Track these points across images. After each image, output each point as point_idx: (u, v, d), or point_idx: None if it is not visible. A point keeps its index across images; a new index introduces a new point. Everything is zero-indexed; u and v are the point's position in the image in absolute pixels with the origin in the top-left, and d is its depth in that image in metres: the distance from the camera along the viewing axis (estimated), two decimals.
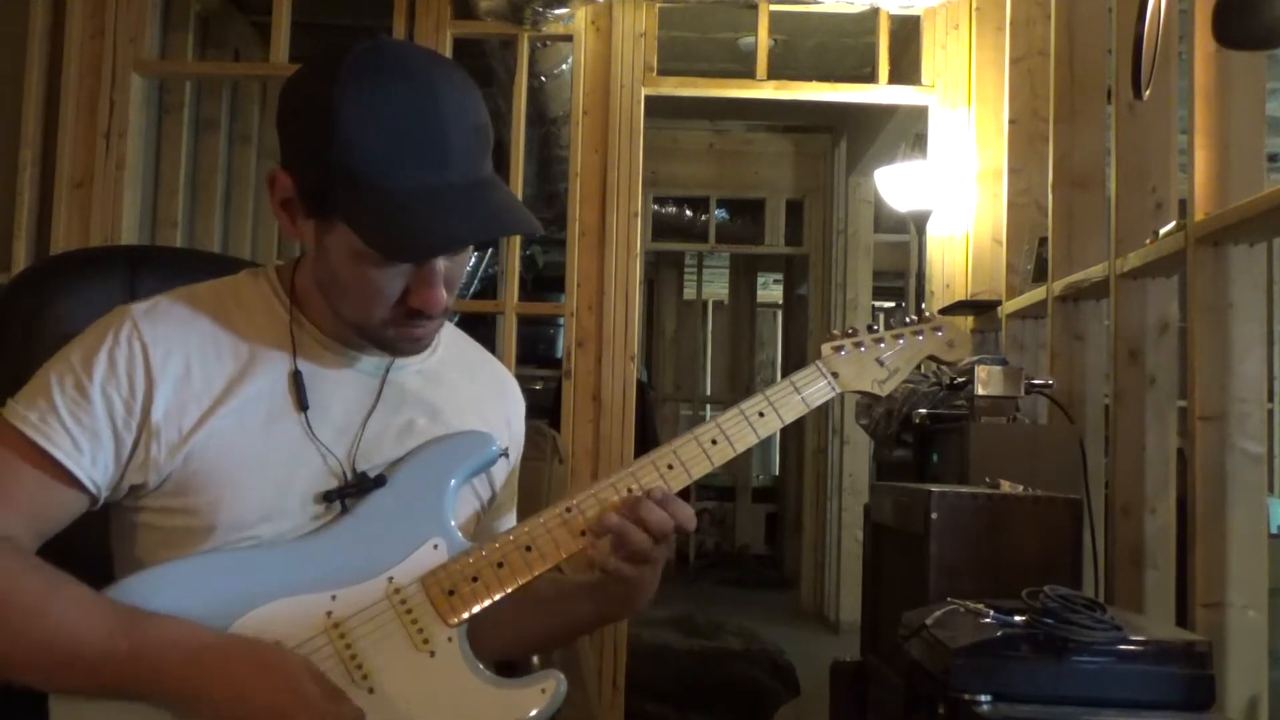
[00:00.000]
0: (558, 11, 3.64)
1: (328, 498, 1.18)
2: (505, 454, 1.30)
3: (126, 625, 1.08)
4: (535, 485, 3.18)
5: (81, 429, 1.12)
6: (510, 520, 1.37)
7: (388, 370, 1.24)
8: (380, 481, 1.20)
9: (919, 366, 1.41)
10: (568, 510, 1.20)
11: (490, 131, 1.15)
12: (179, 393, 1.15)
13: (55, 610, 1.08)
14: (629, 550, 1.17)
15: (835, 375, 1.32)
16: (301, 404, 1.18)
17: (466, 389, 1.31)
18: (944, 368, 2.56)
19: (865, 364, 1.34)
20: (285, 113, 1.15)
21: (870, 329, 1.35)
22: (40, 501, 1.12)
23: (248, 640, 1.10)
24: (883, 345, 1.35)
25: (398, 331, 1.17)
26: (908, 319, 1.38)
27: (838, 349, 1.33)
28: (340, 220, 1.10)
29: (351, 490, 1.19)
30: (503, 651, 1.31)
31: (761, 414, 1.27)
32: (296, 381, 1.18)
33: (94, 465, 1.12)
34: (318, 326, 1.22)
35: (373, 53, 1.11)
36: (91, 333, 1.17)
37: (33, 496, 1.11)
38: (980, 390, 2.38)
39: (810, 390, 1.30)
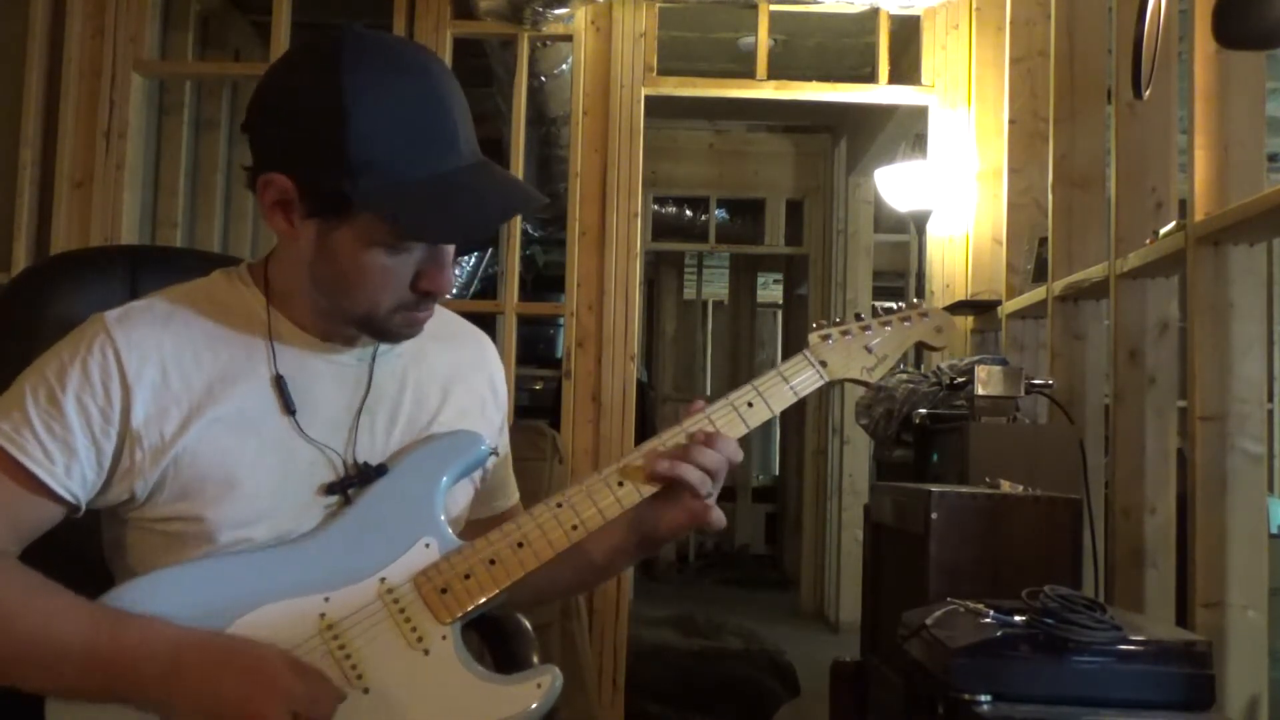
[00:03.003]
0: (558, 11, 3.64)
1: (330, 490, 1.19)
2: (495, 453, 1.31)
3: (108, 625, 1.09)
4: (535, 485, 3.18)
5: (55, 440, 1.12)
6: (510, 482, 1.42)
7: (373, 359, 1.25)
8: (382, 470, 1.21)
9: (918, 360, 1.42)
10: (559, 505, 1.21)
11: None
12: (158, 398, 1.15)
13: (37, 610, 1.08)
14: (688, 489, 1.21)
15: (823, 364, 1.31)
16: (288, 408, 1.19)
17: (447, 360, 1.32)
18: (944, 367, 2.56)
19: (853, 351, 1.33)
20: (278, 113, 1.14)
21: (858, 317, 1.36)
22: (16, 508, 1.12)
23: (226, 637, 1.11)
24: (870, 332, 1.34)
25: (404, 317, 1.19)
26: (895, 306, 1.39)
27: (825, 338, 1.33)
28: (363, 213, 1.11)
29: (354, 481, 1.19)
30: (543, 587, 1.33)
31: (750, 404, 1.27)
32: (280, 386, 1.19)
33: (68, 476, 1.12)
34: (297, 323, 1.22)
35: (363, 41, 1.12)
36: (65, 343, 1.17)
37: (8, 505, 1.12)
38: (980, 390, 2.38)
39: (798, 379, 1.30)
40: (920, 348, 1.40)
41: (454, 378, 1.32)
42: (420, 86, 1.12)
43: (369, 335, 1.22)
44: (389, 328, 1.20)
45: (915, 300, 1.42)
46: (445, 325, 1.36)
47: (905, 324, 1.37)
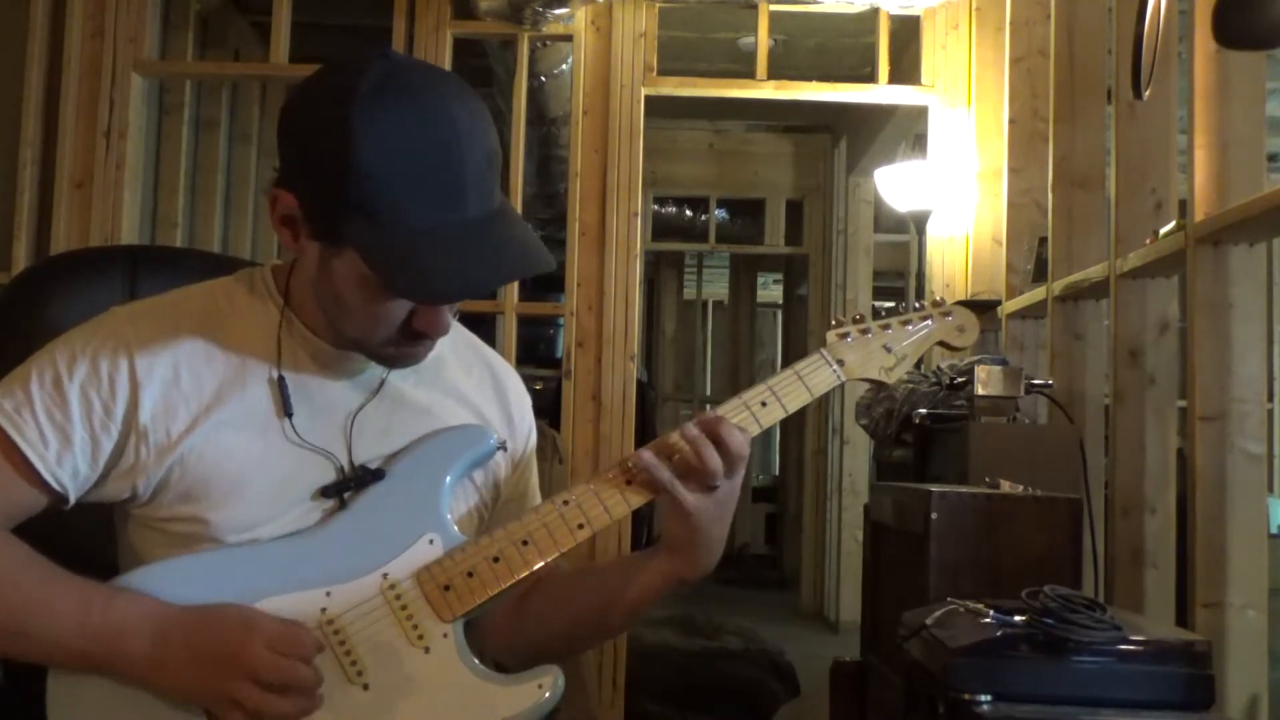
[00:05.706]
0: (558, 11, 3.64)
1: (326, 493, 1.18)
2: (503, 447, 1.28)
3: (99, 599, 1.10)
4: None
5: (53, 426, 1.12)
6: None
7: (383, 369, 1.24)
8: (379, 475, 1.19)
9: (921, 361, 1.39)
10: (565, 504, 1.20)
11: (500, 155, 1.14)
12: (167, 395, 1.15)
13: (30, 581, 1.09)
14: (684, 472, 1.16)
15: (841, 363, 1.27)
16: (286, 410, 1.18)
17: (462, 386, 1.30)
18: (944, 367, 2.56)
19: (872, 350, 1.29)
20: (294, 132, 1.13)
21: (877, 315, 1.31)
22: (3, 488, 1.12)
23: (212, 607, 1.11)
24: (890, 331, 1.30)
25: (399, 350, 1.17)
26: (916, 304, 1.34)
27: (843, 336, 1.29)
28: (352, 250, 1.09)
29: (350, 484, 1.19)
30: (568, 636, 1.29)
31: (764, 404, 1.23)
32: (280, 388, 1.18)
33: (59, 464, 1.12)
34: (312, 330, 1.21)
35: (389, 76, 1.08)
36: (79, 332, 1.17)
37: None
38: (980, 390, 2.38)
39: (815, 379, 1.26)
40: (942, 348, 1.36)
41: (465, 407, 1.29)
42: (435, 132, 1.07)
43: (366, 358, 1.21)
44: (383, 356, 1.19)
45: (939, 298, 1.38)
46: (464, 352, 1.33)
47: (927, 323, 1.32)
